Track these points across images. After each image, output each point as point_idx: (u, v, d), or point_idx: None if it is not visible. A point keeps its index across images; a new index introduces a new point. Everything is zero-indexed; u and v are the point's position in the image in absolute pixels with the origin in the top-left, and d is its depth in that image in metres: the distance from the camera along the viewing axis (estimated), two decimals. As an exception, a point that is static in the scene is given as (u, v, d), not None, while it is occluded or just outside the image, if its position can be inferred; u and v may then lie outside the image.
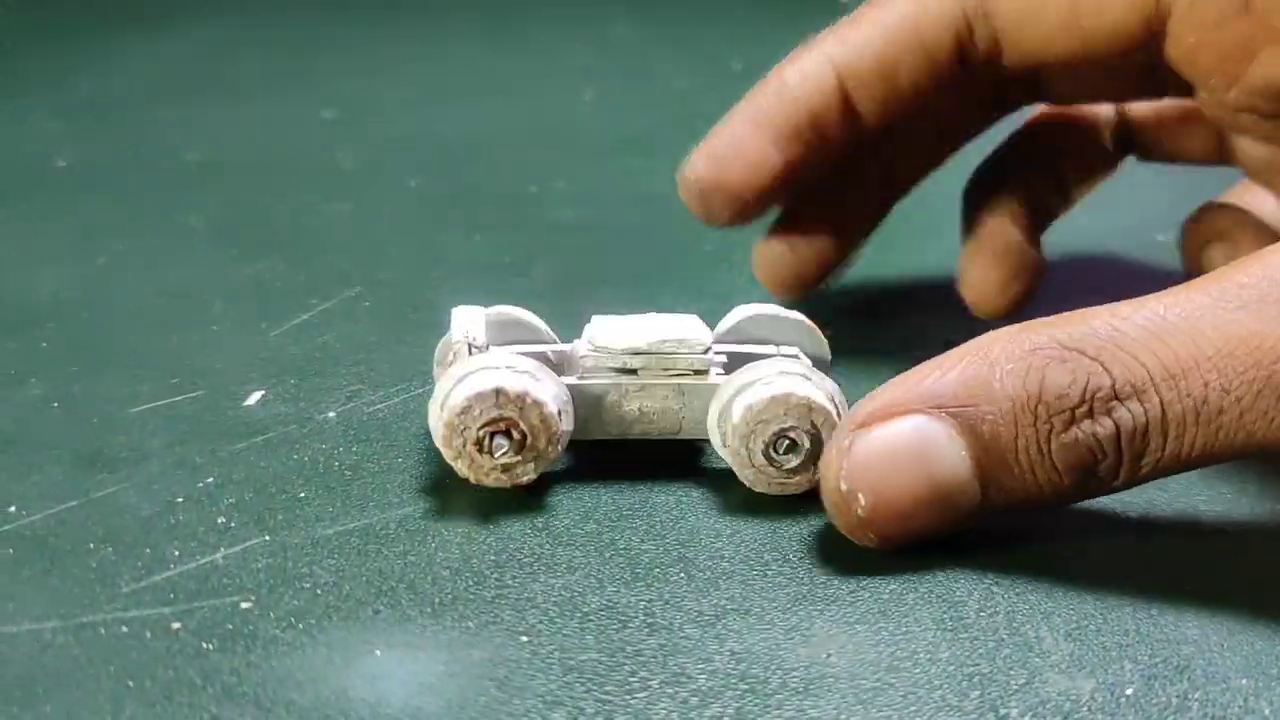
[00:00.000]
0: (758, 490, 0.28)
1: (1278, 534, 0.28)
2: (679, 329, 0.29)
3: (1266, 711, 0.22)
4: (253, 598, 0.25)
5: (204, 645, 0.23)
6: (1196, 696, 0.22)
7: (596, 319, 0.29)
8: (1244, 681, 0.23)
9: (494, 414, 0.27)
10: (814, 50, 0.34)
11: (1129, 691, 0.23)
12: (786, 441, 0.27)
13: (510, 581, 0.25)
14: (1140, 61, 0.32)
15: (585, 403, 0.29)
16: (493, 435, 0.27)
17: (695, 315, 0.30)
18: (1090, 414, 0.24)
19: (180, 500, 0.28)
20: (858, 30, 0.33)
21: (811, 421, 0.27)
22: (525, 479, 0.28)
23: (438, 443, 0.27)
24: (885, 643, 0.24)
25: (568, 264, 0.43)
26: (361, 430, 0.31)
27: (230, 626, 0.24)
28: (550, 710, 0.22)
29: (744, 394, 0.28)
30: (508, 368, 0.27)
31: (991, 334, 0.25)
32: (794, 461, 0.28)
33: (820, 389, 0.28)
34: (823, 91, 0.33)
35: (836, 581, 0.26)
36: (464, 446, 0.27)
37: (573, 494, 0.29)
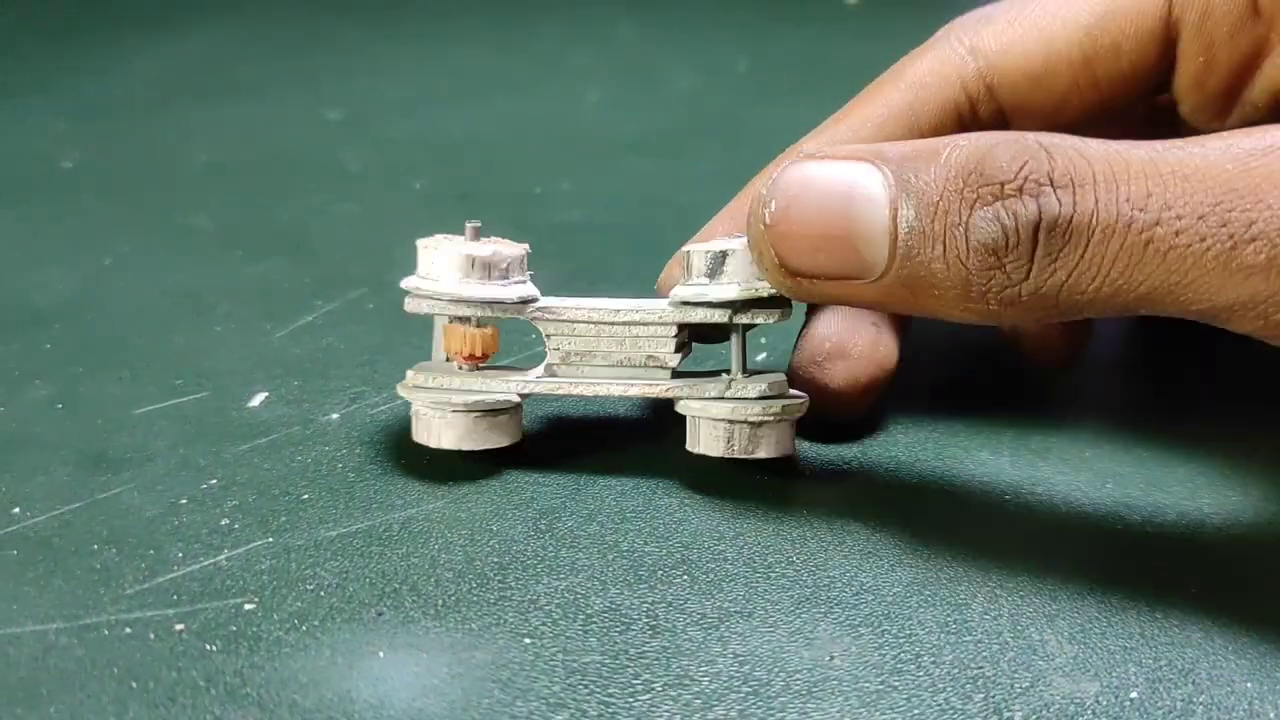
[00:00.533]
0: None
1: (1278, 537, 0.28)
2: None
3: (1272, 715, 0.22)
4: (256, 599, 0.25)
5: (207, 647, 0.23)
6: (1201, 700, 0.22)
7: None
8: (1249, 685, 0.23)
9: None
10: (802, 149, 0.32)
11: (1133, 695, 0.22)
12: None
13: (513, 583, 0.25)
14: (1142, 116, 0.32)
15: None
16: None
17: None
18: (1019, 192, 0.23)
19: (184, 502, 0.28)
20: (849, 124, 0.31)
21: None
22: None
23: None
24: (889, 645, 0.24)
25: (573, 264, 0.43)
26: (365, 432, 0.31)
27: (234, 628, 0.24)
28: (553, 712, 0.22)
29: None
30: None
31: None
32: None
33: None
34: None
35: (840, 584, 0.26)
36: None
37: (576, 496, 0.29)
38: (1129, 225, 0.22)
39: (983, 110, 0.31)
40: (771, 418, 0.28)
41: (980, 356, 0.36)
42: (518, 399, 0.29)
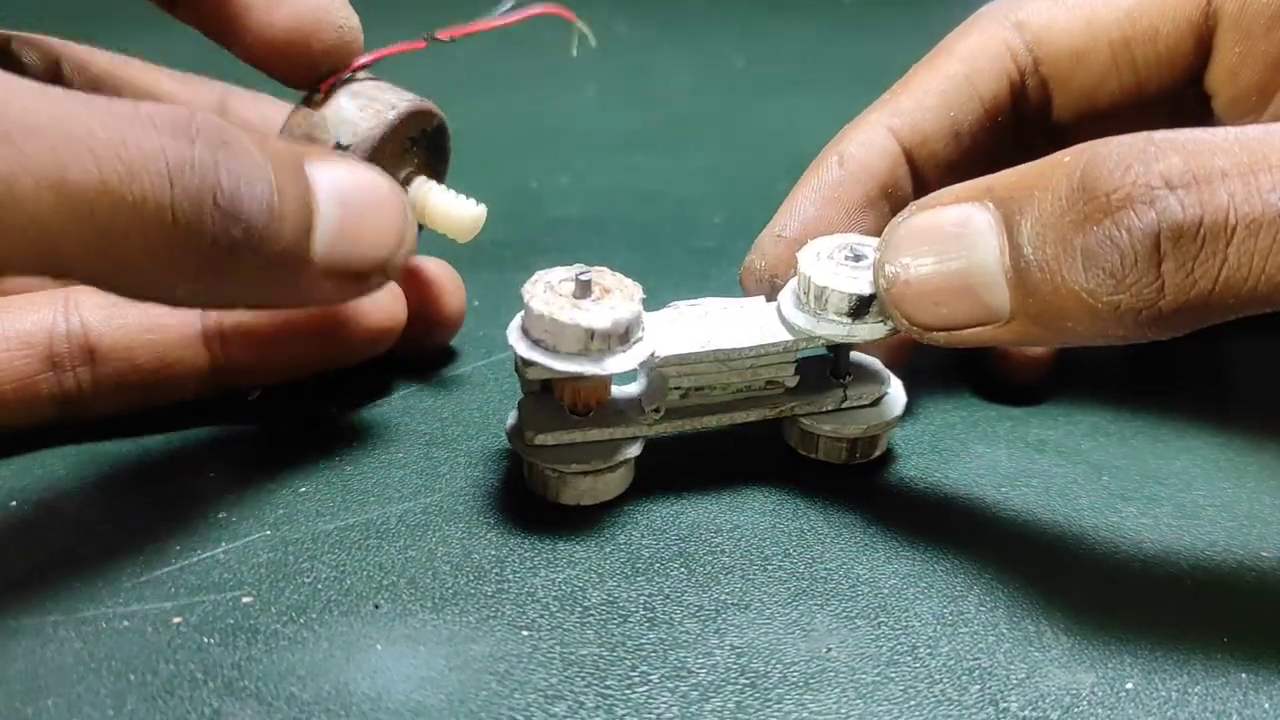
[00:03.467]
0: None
1: (1277, 529, 0.28)
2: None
3: (1266, 705, 0.22)
4: (254, 592, 0.25)
5: (205, 640, 0.23)
6: (1196, 690, 0.22)
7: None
8: (1243, 675, 0.23)
9: None
10: (869, 120, 0.32)
11: (1129, 685, 0.23)
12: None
13: (511, 576, 0.25)
14: (1178, 110, 0.32)
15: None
16: None
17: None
18: (1128, 203, 0.20)
19: (181, 495, 0.28)
20: (911, 95, 0.31)
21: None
22: None
23: None
24: (885, 637, 0.24)
25: (569, 259, 0.43)
26: (362, 426, 0.31)
27: (231, 621, 0.24)
28: (551, 704, 0.22)
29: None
30: None
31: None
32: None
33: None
34: (888, 158, 0.31)
35: (837, 576, 0.26)
36: None
37: (574, 489, 0.29)
38: (1275, 217, 0.20)
39: (1030, 83, 0.31)
40: (887, 426, 0.29)
41: (977, 351, 0.36)
42: (638, 452, 0.28)
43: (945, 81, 0.31)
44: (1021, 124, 0.32)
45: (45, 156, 0.20)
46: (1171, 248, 0.20)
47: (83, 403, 0.29)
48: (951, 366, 0.35)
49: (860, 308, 0.26)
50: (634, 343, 0.26)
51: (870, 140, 0.31)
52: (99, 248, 0.21)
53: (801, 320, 0.27)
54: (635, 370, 0.27)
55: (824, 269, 0.27)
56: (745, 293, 0.30)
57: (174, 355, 0.29)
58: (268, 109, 0.35)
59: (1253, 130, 0.21)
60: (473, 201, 0.30)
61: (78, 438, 0.30)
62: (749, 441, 0.31)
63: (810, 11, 0.82)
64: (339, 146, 0.28)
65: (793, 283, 0.28)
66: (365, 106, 0.29)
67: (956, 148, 0.32)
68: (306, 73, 0.29)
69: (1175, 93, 0.32)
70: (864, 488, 0.29)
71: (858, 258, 0.27)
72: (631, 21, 0.81)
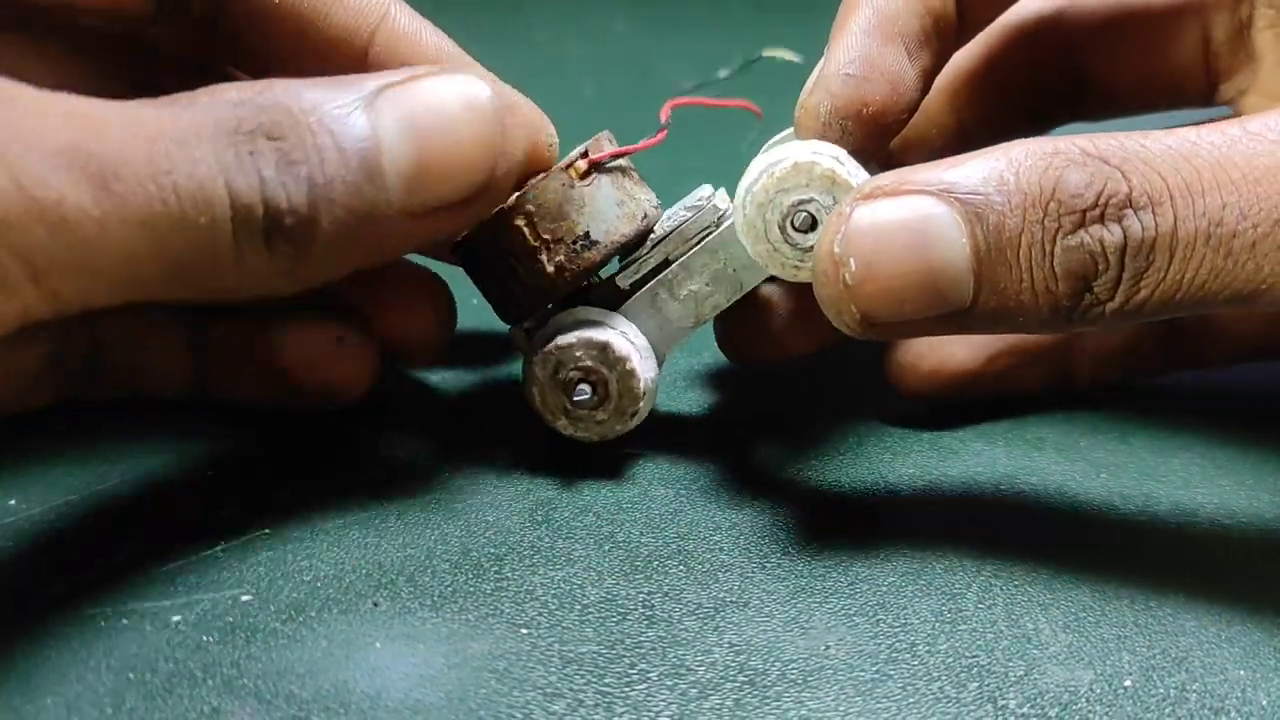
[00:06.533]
0: (771, 272, 0.27)
1: (1275, 526, 0.28)
2: (683, 201, 0.29)
3: (1264, 702, 0.22)
4: (253, 590, 0.25)
5: (204, 638, 0.23)
6: (1195, 688, 0.22)
7: None
8: (1241, 673, 0.23)
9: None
10: None
11: (1127, 683, 0.23)
12: (804, 215, 0.26)
13: (509, 574, 0.25)
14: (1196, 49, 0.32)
15: (646, 316, 0.29)
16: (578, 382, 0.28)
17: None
18: (1101, 219, 0.22)
19: (180, 493, 0.28)
20: (844, 46, 0.30)
21: (834, 198, 0.26)
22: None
23: None
24: (884, 634, 0.24)
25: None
26: (362, 424, 0.31)
27: (230, 619, 0.24)
28: (550, 702, 0.22)
29: (767, 168, 0.26)
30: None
31: (1019, 139, 0.24)
32: (811, 240, 0.26)
33: (852, 172, 0.26)
34: None
35: (835, 574, 0.26)
36: None
37: (571, 487, 0.29)
38: (1208, 239, 0.22)
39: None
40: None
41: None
42: None
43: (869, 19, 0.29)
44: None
45: (133, 195, 0.20)
46: (1130, 260, 0.22)
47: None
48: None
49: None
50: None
51: None
52: (176, 271, 0.21)
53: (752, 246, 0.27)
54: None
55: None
56: (799, 133, 0.28)
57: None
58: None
59: (1182, 142, 0.23)
60: None
61: (76, 436, 0.30)
62: (749, 440, 0.31)
63: (809, 9, 0.82)
64: (585, 236, 0.27)
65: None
66: (623, 203, 0.28)
67: None
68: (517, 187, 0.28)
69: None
70: (862, 486, 0.29)
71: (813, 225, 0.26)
72: (630, 20, 0.81)
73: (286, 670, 0.23)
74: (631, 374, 0.28)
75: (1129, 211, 0.22)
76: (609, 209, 0.28)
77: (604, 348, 0.28)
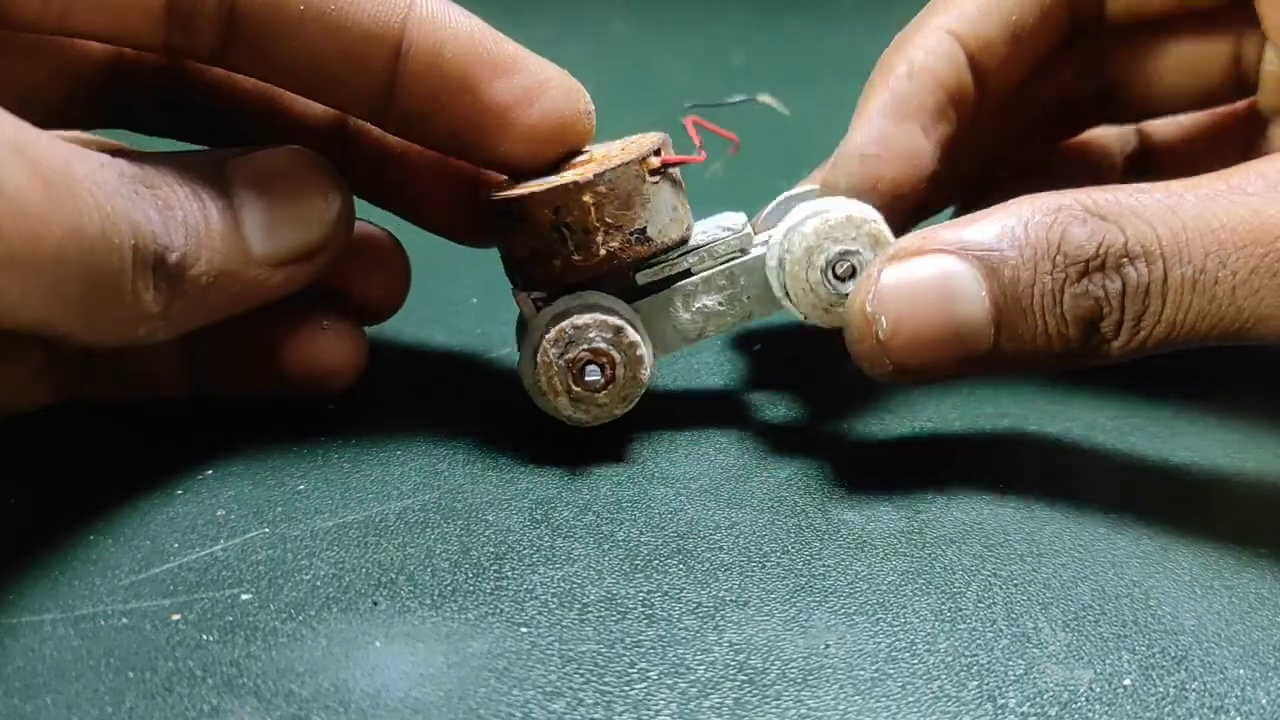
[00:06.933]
0: (805, 318, 0.29)
1: (1274, 526, 0.28)
2: (714, 221, 0.30)
3: (1263, 701, 0.22)
4: (252, 590, 0.25)
5: (204, 637, 0.23)
6: (1194, 687, 0.22)
7: None
8: (1241, 672, 0.23)
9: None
10: (930, 26, 0.32)
11: (1127, 682, 0.23)
12: (848, 265, 0.29)
13: (509, 573, 0.25)
14: (1224, 54, 0.33)
15: (655, 318, 0.30)
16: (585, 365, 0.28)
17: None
18: (1102, 268, 0.25)
19: (180, 492, 0.28)
20: (869, 123, 0.32)
21: (874, 254, 0.28)
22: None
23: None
24: (883, 634, 0.24)
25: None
26: (361, 424, 0.31)
27: (230, 618, 0.24)
28: (550, 701, 0.22)
29: (818, 214, 0.29)
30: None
31: (1026, 196, 0.26)
32: (847, 287, 0.29)
33: (888, 229, 0.29)
34: (955, 65, 0.32)
35: (835, 573, 0.26)
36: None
37: (571, 486, 0.29)
38: (1194, 285, 0.25)
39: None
40: None
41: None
42: None
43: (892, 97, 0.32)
44: (1075, 24, 0.33)
45: (69, 202, 0.21)
46: (1129, 305, 0.25)
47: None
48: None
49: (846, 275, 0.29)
50: None
51: (936, 47, 0.32)
52: (87, 293, 0.22)
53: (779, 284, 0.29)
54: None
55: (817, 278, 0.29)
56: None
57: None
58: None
59: (1169, 196, 0.25)
60: None
61: (76, 435, 0.30)
62: (749, 440, 0.31)
63: (809, 8, 0.82)
64: (642, 232, 0.28)
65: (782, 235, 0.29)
66: (675, 210, 0.29)
67: (1015, 49, 0.32)
68: (554, 163, 0.29)
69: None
70: (861, 485, 0.29)
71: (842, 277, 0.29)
72: (629, 19, 0.81)
73: (286, 669, 0.23)
74: (640, 360, 0.28)
75: (1125, 262, 0.25)
76: (665, 212, 0.29)
77: (618, 331, 0.28)
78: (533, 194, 0.28)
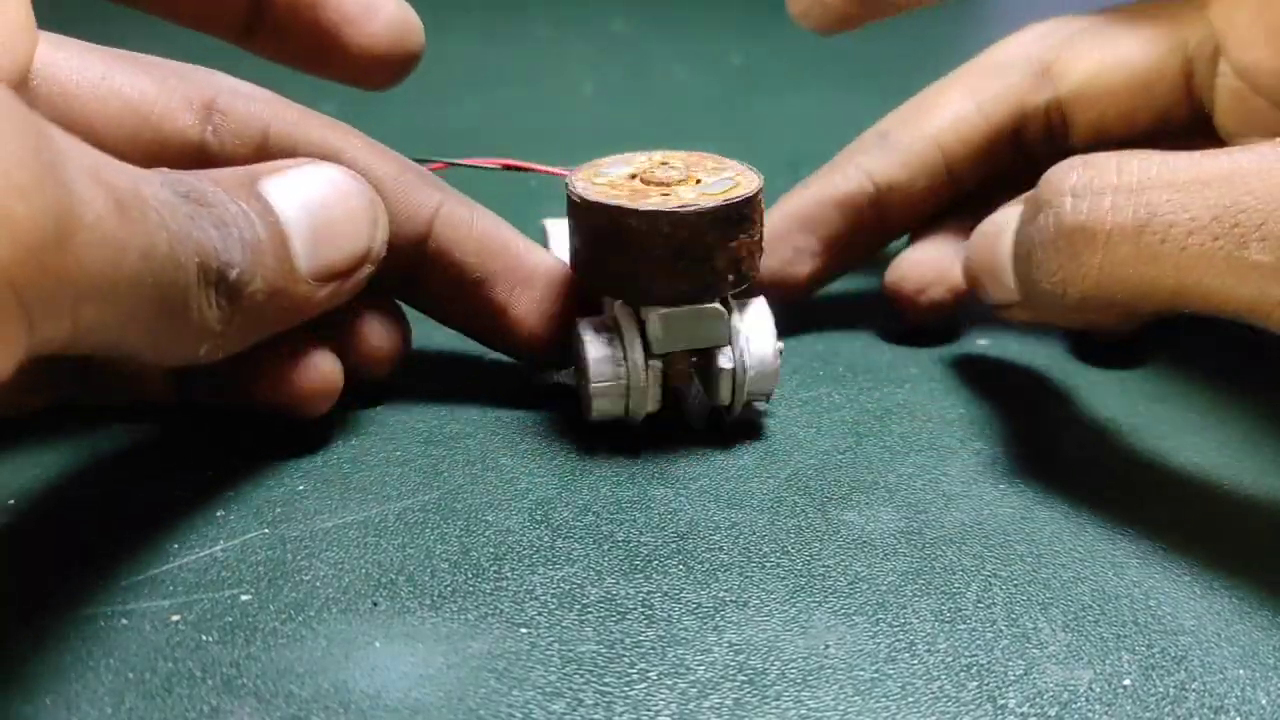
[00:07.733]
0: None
1: (1274, 526, 0.28)
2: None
3: (1263, 701, 0.22)
4: (252, 590, 0.25)
5: (203, 638, 0.23)
6: (1194, 687, 0.22)
7: None
8: (1241, 672, 0.23)
9: None
10: (852, 164, 0.36)
11: (1126, 682, 0.23)
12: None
13: (509, 573, 0.25)
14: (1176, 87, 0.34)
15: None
16: None
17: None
18: (1046, 206, 0.25)
19: (179, 493, 0.28)
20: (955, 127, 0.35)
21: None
22: None
23: None
24: (883, 634, 0.24)
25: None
26: (360, 423, 0.31)
27: (230, 619, 0.24)
28: (549, 701, 0.22)
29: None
30: None
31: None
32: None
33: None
34: (862, 195, 0.35)
35: (835, 573, 0.26)
36: None
37: (571, 486, 0.29)
38: (1142, 228, 0.23)
39: (1053, 119, 0.35)
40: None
41: (977, 347, 0.36)
42: None
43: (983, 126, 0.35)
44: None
45: (140, 224, 0.21)
46: (1065, 244, 0.24)
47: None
48: (946, 366, 0.35)
49: None
50: None
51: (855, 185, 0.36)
52: (158, 312, 0.22)
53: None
54: None
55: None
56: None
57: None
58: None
59: (1158, 157, 0.24)
60: None
61: (75, 436, 0.30)
62: (749, 440, 0.31)
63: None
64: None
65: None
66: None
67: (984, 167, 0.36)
68: (395, 76, 0.31)
69: (1191, 124, 0.34)
70: (861, 485, 0.29)
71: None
72: (629, 19, 0.81)
73: (286, 670, 0.23)
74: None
75: (1065, 198, 0.24)
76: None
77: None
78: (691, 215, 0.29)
